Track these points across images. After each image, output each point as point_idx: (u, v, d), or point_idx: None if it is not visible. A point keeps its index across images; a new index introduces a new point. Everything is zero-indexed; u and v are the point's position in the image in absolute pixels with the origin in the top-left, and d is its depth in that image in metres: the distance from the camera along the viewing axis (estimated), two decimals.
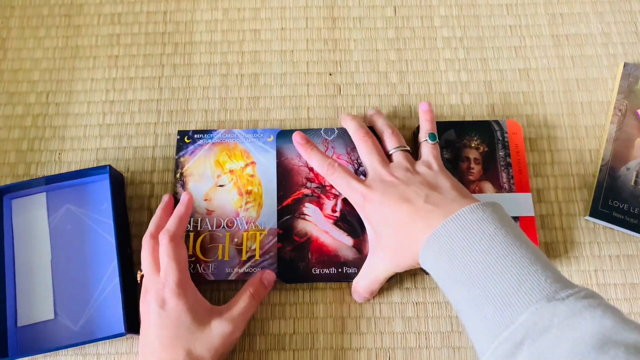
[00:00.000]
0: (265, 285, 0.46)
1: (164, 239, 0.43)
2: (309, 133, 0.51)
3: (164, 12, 0.58)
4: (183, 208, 0.46)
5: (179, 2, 0.58)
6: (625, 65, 0.54)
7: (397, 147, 0.46)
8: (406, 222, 0.40)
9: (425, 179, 0.43)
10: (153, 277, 0.42)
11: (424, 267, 0.39)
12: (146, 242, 0.44)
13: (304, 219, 0.48)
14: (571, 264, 0.49)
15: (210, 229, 0.49)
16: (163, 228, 0.44)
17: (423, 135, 0.48)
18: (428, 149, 0.46)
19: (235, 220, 0.49)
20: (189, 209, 0.46)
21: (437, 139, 0.47)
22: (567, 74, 0.55)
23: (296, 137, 0.48)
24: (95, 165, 0.52)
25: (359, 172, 0.49)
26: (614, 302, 0.47)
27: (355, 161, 0.50)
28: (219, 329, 0.41)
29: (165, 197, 0.48)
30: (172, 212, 0.47)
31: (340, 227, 0.48)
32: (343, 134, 0.51)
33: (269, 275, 0.46)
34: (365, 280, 0.45)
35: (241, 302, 0.43)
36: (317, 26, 0.57)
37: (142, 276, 0.44)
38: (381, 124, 0.48)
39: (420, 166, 0.45)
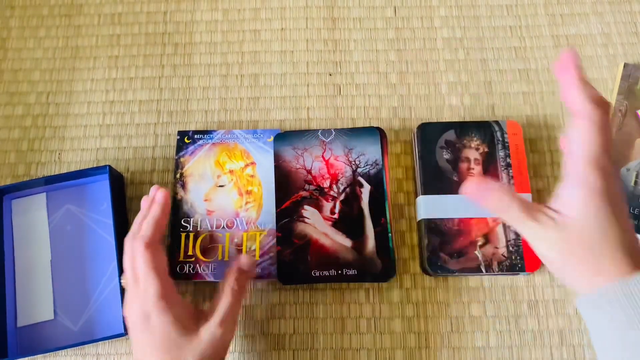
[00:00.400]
0: (245, 272, 0.42)
1: (139, 246, 0.39)
2: (306, 134, 0.51)
3: (164, 13, 0.58)
4: (159, 209, 0.42)
5: (179, 3, 0.58)
6: (625, 65, 0.54)
7: None
8: (610, 246, 0.32)
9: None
10: (134, 287, 0.39)
11: (582, 308, 0.32)
12: (128, 246, 0.40)
13: (303, 221, 0.48)
14: None
15: (210, 229, 0.49)
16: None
17: None
18: None
19: (235, 221, 0.49)
20: (165, 210, 0.42)
21: None
22: None
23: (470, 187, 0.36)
24: (95, 165, 0.52)
25: (357, 174, 0.49)
26: None
27: (353, 162, 0.50)
28: (208, 335, 0.39)
29: (157, 193, 0.43)
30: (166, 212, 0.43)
31: (339, 229, 0.48)
32: (340, 135, 0.51)
33: (245, 259, 0.42)
34: (519, 222, 0.34)
35: (225, 300, 0.40)
36: (317, 26, 0.57)
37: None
38: None
39: None
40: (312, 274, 0.47)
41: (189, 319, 0.39)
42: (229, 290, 0.41)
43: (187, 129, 0.53)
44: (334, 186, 0.49)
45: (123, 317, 0.44)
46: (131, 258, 0.40)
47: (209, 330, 0.39)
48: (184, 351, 0.38)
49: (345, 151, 0.50)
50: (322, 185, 0.49)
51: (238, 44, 0.57)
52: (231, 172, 0.50)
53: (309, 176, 0.50)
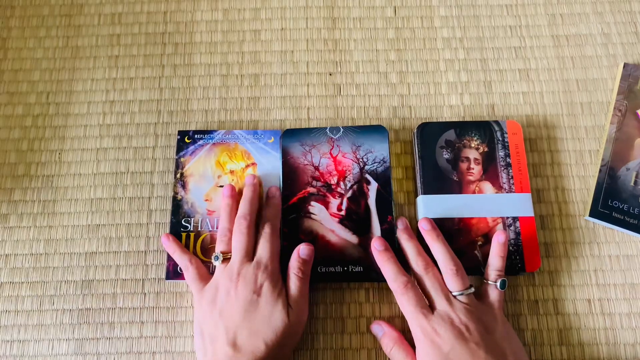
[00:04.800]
0: (306, 260, 0.45)
1: (272, 222, 0.46)
2: (315, 131, 0.51)
3: (164, 12, 0.58)
4: (278, 200, 0.48)
5: (179, 2, 0.58)
6: (625, 65, 0.54)
7: (464, 290, 0.42)
8: None
9: (496, 342, 0.40)
10: (250, 263, 0.44)
11: None
12: (244, 222, 0.45)
13: (310, 217, 0.48)
14: (571, 264, 0.49)
15: (210, 229, 0.49)
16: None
17: (492, 275, 0.44)
18: (496, 297, 0.43)
19: None
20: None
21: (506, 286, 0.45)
22: (567, 74, 0.55)
23: (375, 243, 0.45)
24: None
25: (365, 171, 0.49)
26: (614, 302, 0.47)
27: (361, 160, 0.50)
28: (293, 316, 0.42)
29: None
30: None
31: (345, 226, 0.48)
32: (349, 132, 0.51)
33: (305, 249, 0.46)
34: None
35: (293, 286, 0.44)
36: (317, 26, 0.57)
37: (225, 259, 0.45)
38: (441, 256, 0.44)
39: (487, 315, 0.42)
40: (318, 270, 0.47)
41: (284, 299, 0.43)
42: (294, 277, 0.44)
43: (188, 129, 0.53)
44: (341, 183, 0.49)
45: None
46: (248, 237, 0.45)
47: (291, 312, 0.42)
48: (281, 327, 0.41)
49: (353, 148, 0.50)
50: (329, 182, 0.49)
51: (238, 44, 0.57)
52: (232, 172, 0.50)
53: (317, 172, 0.50)
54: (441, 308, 0.41)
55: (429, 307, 0.42)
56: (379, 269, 0.46)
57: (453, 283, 0.42)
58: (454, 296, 0.42)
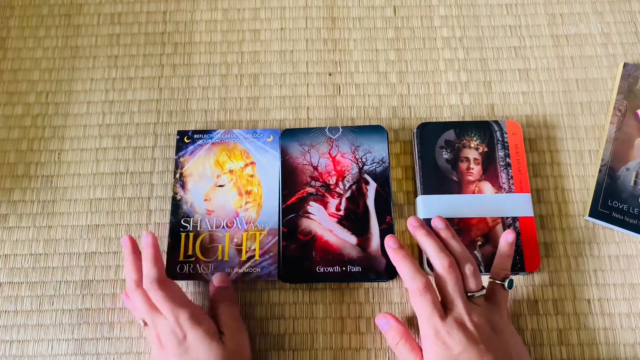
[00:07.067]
0: (223, 287, 0.46)
1: (152, 288, 0.42)
2: (314, 131, 0.51)
3: (163, 12, 0.58)
4: (152, 250, 0.44)
5: (179, 2, 0.58)
6: (625, 65, 0.54)
7: (478, 291, 0.42)
8: None
9: (503, 343, 0.41)
10: (161, 319, 0.42)
11: None
12: (136, 292, 0.43)
13: (309, 217, 0.48)
14: (570, 265, 0.49)
15: (209, 229, 0.49)
16: (142, 273, 0.44)
17: (500, 274, 0.44)
18: (502, 296, 0.43)
19: (234, 221, 0.49)
20: (157, 248, 0.44)
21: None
22: (566, 74, 0.55)
23: (389, 241, 0.44)
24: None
25: (364, 171, 0.49)
26: (613, 302, 0.47)
27: (360, 160, 0.50)
28: (228, 343, 0.42)
29: (126, 240, 0.46)
30: (139, 253, 0.45)
31: (344, 226, 0.48)
32: (347, 132, 0.51)
33: (217, 277, 0.46)
34: None
35: (221, 314, 0.44)
36: (316, 26, 0.57)
37: (145, 324, 0.44)
38: (459, 254, 0.43)
39: (495, 315, 0.42)
40: (317, 270, 0.47)
41: (215, 331, 0.42)
42: (219, 304, 0.45)
43: (187, 129, 0.53)
44: (340, 183, 0.49)
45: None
46: (145, 301, 0.43)
47: (226, 339, 0.42)
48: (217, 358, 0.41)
49: (352, 148, 0.50)
50: (328, 182, 0.49)
51: (238, 43, 0.57)
52: (231, 171, 0.50)
53: (315, 172, 0.50)
54: (457, 310, 0.41)
55: (442, 306, 0.42)
56: (379, 269, 0.46)
57: (470, 284, 0.42)
58: (469, 297, 0.42)
